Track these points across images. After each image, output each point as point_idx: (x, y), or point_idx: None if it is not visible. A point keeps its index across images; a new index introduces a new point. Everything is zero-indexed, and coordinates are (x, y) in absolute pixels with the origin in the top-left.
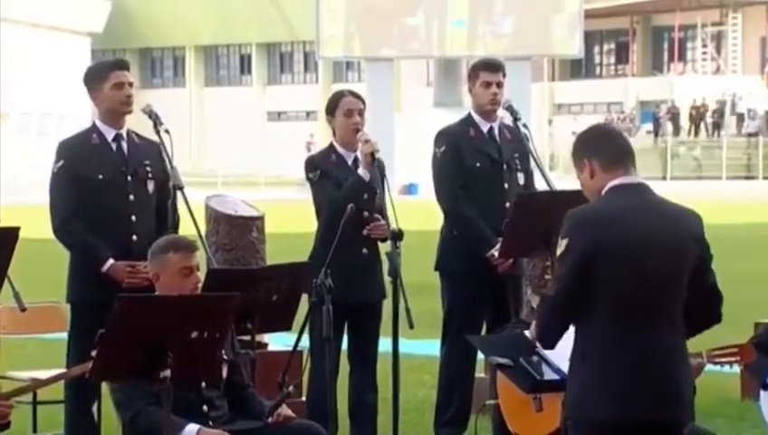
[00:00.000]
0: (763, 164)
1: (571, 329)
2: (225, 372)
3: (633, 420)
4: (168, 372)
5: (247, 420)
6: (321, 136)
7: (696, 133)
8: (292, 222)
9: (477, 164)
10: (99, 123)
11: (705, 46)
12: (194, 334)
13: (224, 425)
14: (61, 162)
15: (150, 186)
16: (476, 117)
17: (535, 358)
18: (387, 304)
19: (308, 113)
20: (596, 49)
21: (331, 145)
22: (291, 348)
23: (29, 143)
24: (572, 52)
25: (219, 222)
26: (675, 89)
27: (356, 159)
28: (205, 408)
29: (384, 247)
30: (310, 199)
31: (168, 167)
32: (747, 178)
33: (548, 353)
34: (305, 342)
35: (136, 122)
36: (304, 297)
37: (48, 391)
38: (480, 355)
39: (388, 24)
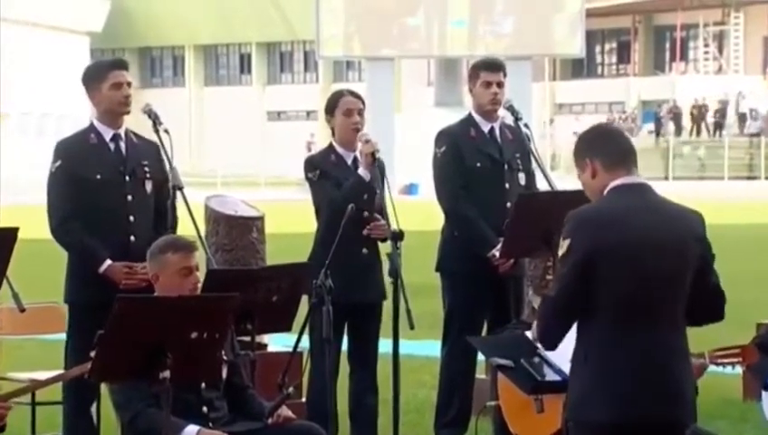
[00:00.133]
0: (766, 164)
1: (573, 330)
2: (225, 372)
3: (635, 422)
4: (167, 373)
5: (247, 421)
6: (321, 136)
7: (698, 133)
8: (292, 222)
9: (478, 164)
10: (97, 123)
11: (706, 46)
12: (193, 335)
13: (223, 426)
14: (58, 162)
15: (148, 186)
16: (477, 117)
17: (536, 359)
18: (387, 305)
19: (308, 113)
20: (597, 48)
21: (331, 145)
22: (291, 349)
23: (28, 143)
24: (574, 51)
25: (219, 222)
26: (676, 88)
27: (355, 159)
28: (204, 409)
29: (384, 248)
30: (310, 199)
31: (168, 167)
32: (749, 178)
33: (549, 354)
34: (305, 342)
35: (135, 122)
36: (304, 298)
37: (47, 391)
38: (481, 356)
39: (389, 23)
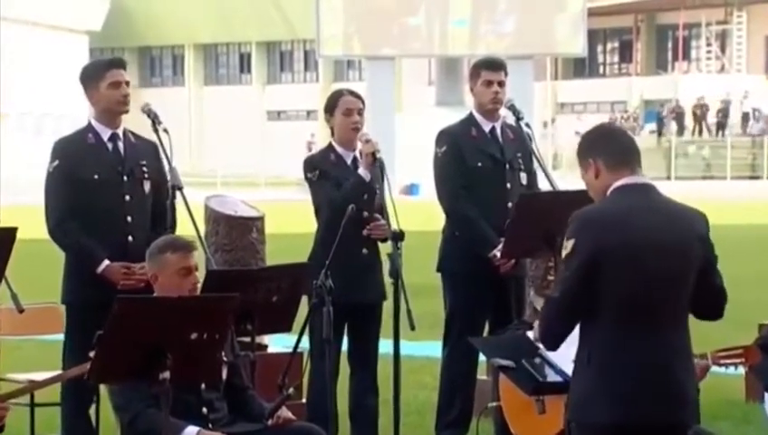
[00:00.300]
0: None
1: (574, 330)
2: (225, 373)
3: (637, 423)
4: (167, 374)
5: (247, 422)
6: (321, 136)
7: (701, 133)
8: (292, 222)
9: (479, 164)
10: (95, 123)
11: (709, 45)
12: (193, 336)
13: (223, 427)
14: (56, 162)
15: (147, 186)
16: (478, 116)
17: (538, 360)
18: (388, 306)
19: (308, 112)
20: (599, 48)
21: (330, 145)
22: (291, 350)
23: (28, 143)
24: (576, 50)
25: (219, 222)
26: (679, 88)
27: (355, 159)
28: (204, 410)
29: (385, 248)
30: (310, 199)
31: (168, 167)
32: (752, 178)
33: (550, 355)
34: (305, 343)
35: (135, 122)
36: (304, 299)
37: (46, 392)
38: (482, 357)
39: (390, 22)
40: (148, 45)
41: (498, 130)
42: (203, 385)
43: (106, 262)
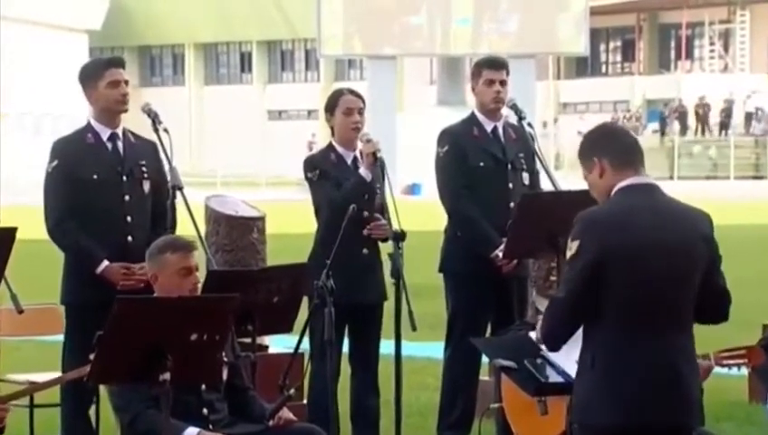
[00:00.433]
0: None
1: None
2: (226, 374)
3: (641, 425)
4: (167, 375)
5: (248, 423)
6: (322, 135)
7: (704, 132)
8: (293, 222)
9: (481, 164)
10: (94, 122)
11: (712, 44)
12: (193, 337)
13: (224, 428)
14: (55, 162)
15: (146, 186)
16: (480, 116)
17: (540, 360)
18: (389, 306)
19: (309, 112)
20: (602, 47)
21: (330, 144)
22: (292, 350)
23: (27, 143)
24: (578, 49)
25: (219, 223)
26: (682, 87)
27: (355, 159)
28: (205, 411)
29: (385, 248)
30: (310, 199)
31: (168, 166)
32: (755, 177)
33: (552, 356)
34: (306, 344)
35: (135, 121)
36: (305, 299)
37: (45, 394)
38: (484, 358)
39: (391, 21)
40: (149, 44)
41: (500, 130)
42: (203, 386)
43: (105, 262)
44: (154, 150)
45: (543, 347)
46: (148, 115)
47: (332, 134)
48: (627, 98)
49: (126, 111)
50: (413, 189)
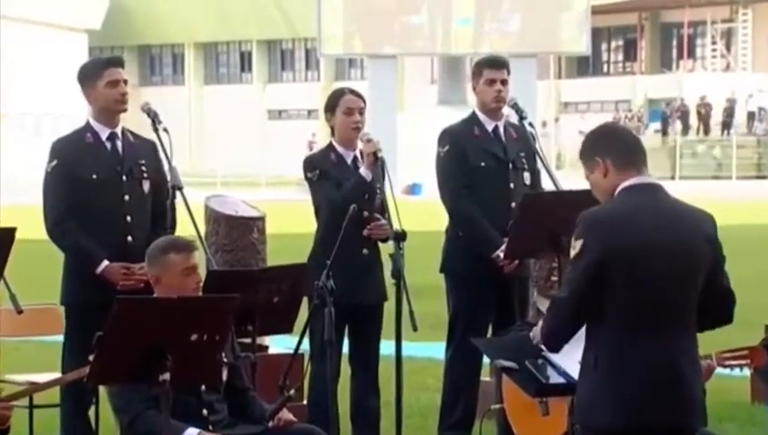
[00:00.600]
0: None
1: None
2: (226, 375)
3: (643, 426)
4: (167, 376)
5: (248, 424)
6: (322, 135)
7: (706, 132)
8: (293, 222)
9: (482, 163)
10: (93, 122)
11: (714, 43)
12: (193, 337)
13: (224, 429)
14: (54, 162)
15: (146, 186)
16: (481, 115)
17: (541, 361)
18: (389, 306)
19: (309, 112)
20: (603, 46)
21: (331, 144)
22: (292, 351)
23: (27, 143)
24: (579, 49)
25: (219, 223)
26: (684, 87)
27: (355, 159)
28: (204, 412)
29: (386, 248)
30: (310, 199)
31: (168, 166)
32: (758, 177)
33: (553, 356)
34: (306, 344)
35: (134, 121)
36: (305, 300)
37: (45, 394)
38: (485, 358)
39: (392, 21)
40: (148, 44)
41: (501, 130)
42: (203, 387)
43: (105, 262)
44: (153, 150)
45: (544, 348)
46: (148, 115)
47: (332, 134)
48: (628, 97)
49: (125, 110)
50: (414, 189)
